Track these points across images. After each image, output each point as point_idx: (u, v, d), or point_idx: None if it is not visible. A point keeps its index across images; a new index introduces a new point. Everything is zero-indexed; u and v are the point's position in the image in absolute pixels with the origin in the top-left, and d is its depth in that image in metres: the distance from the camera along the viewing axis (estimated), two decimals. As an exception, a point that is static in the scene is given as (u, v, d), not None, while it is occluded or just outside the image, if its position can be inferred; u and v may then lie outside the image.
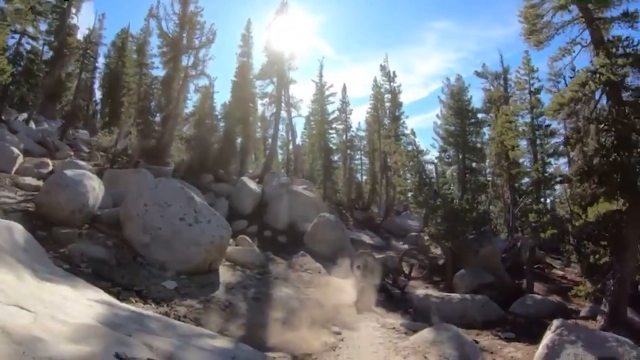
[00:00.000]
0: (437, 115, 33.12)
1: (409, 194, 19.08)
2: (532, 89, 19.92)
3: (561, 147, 18.76)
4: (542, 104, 18.63)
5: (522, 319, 13.92)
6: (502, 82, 31.80)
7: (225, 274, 14.38)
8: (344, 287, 14.63)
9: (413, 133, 19.22)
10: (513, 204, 22.84)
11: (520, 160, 22.32)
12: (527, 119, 18.86)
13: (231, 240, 18.27)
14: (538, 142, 18.72)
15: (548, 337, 9.79)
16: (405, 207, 33.63)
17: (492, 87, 32.75)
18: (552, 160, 19.50)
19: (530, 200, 18.00)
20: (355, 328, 11.14)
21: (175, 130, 27.63)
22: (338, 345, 9.85)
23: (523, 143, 19.76)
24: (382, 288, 14.42)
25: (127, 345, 5.87)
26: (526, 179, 28.20)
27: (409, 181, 20.13)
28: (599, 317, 12.86)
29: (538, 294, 16.42)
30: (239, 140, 31.45)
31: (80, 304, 7.54)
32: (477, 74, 33.31)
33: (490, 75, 32.70)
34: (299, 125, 58.90)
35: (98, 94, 44.61)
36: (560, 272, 24.22)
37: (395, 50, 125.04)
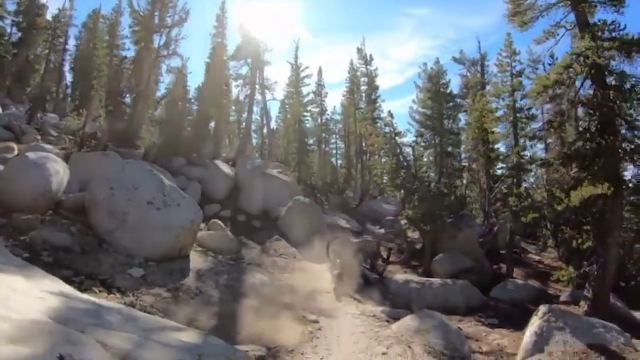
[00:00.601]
0: (413, 100, 32.49)
1: (386, 177, 18.35)
2: (514, 72, 19.34)
3: (541, 132, 18.31)
4: (523, 87, 18.08)
5: (503, 304, 13.54)
6: (479, 68, 31.40)
7: (197, 260, 13.54)
8: (320, 272, 13.95)
9: (390, 115, 18.45)
10: (489, 189, 22.56)
11: (500, 144, 21.98)
12: (508, 101, 18.25)
13: (203, 225, 17.43)
14: (519, 125, 18.17)
15: (535, 323, 9.35)
16: (381, 192, 33.09)
17: (469, 74, 32.36)
18: (531, 144, 19.05)
19: (509, 184, 17.52)
20: (333, 316, 10.46)
21: (147, 112, 26.27)
22: (316, 335, 9.16)
23: (503, 126, 19.19)
24: (359, 273, 13.71)
25: (76, 344, 5.03)
26: (502, 165, 28.08)
27: (385, 163, 19.41)
28: (582, 303, 12.55)
29: (517, 279, 16.03)
30: (212, 123, 30.21)
31: (31, 297, 6.63)
32: (455, 59, 32.84)
33: (467, 61, 32.26)
34: (274, 109, 57.84)
35: (69, 77, 42.48)
36: (537, 257, 24.10)
37: (372, 35, 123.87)
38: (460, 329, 10.28)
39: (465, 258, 16.97)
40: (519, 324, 10.91)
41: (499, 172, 21.72)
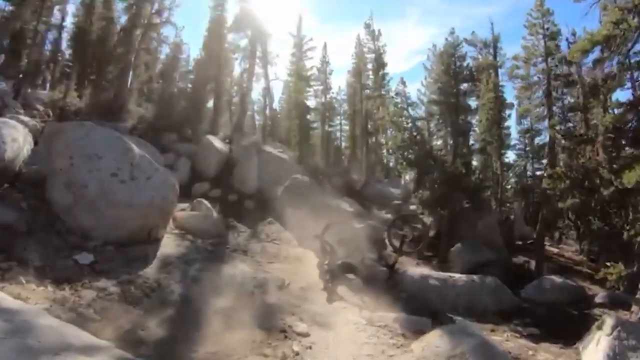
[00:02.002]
0: (422, 83, 29.56)
1: (398, 153, 15.41)
2: (547, 33, 16.03)
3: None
4: (559, 50, 14.87)
5: (538, 306, 10.68)
6: (491, 50, 28.31)
7: (169, 245, 10.78)
8: (317, 262, 11.06)
9: (403, 82, 15.45)
10: (502, 174, 19.89)
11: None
12: (542, 67, 15.07)
13: (187, 205, 14.63)
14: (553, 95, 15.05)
15: (604, 342, 6.55)
16: (388, 174, 30.13)
17: (480, 57, 29.33)
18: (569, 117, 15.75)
19: (545, 165, 14.49)
20: (330, 325, 7.58)
21: (136, 83, 23.32)
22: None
23: (536, 96, 15.94)
24: (365, 265, 10.82)
25: None
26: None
27: (395, 137, 16.32)
28: (635, 308, 9.71)
29: (552, 276, 13.04)
30: (211, 102, 27.20)
31: None
32: (466, 41, 29.65)
33: (479, 43, 29.05)
34: (278, 91, 54.55)
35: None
36: (555, 250, 21.45)
37: (378, 23, 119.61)
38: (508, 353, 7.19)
39: (486, 249, 14.10)
40: (567, 336, 8.40)
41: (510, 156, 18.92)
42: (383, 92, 25.26)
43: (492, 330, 8.70)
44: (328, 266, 9.65)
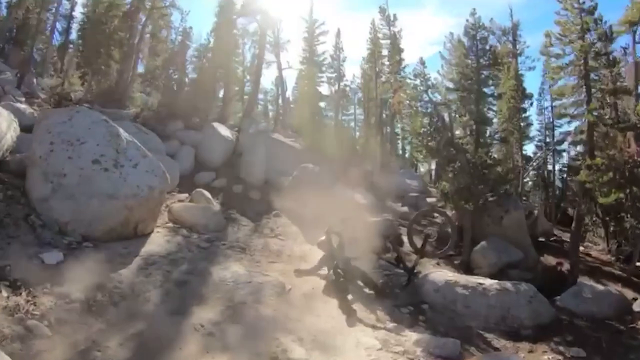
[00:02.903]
0: (439, 72, 27.49)
1: (416, 141, 13.60)
2: (585, 7, 13.91)
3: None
4: (601, 25, 12.82)
5: (580, 320, 8.73)
6: (510, 37, 26.21)
7: (157, 241, 9.35)
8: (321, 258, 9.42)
9: (422, 62, 13.72)
10: (523, 167, 18.13)
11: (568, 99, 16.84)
12: (579, 44, 13.05)
13: (186, 196, 13.18)
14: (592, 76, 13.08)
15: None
16: (402, 166, 28.31)
17: (499, 45, 27.28)
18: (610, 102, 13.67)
19: (581, 154, 12.62)
20: (335, 349, 5.94)
21: (141, 70, 21.91)
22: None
23: (572, 77, 13.91)
24: (379, 268, 9.14)
25: None
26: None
27: (413, 122, 14.47)
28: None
29: (591, 283, 11.13)
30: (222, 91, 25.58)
31: None
32: (485, 28, 27.58)
33: (498, 30, 26.95)
34: (291, 80, 52.67)
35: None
36: (581, 248, 19.56)
37: (394, 11, 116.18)
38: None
39: (513, 248, 12.34)
40: (616, 358, 7.01)
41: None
42: (399, 78, 23.38)
43: (530, 352, 7.02)
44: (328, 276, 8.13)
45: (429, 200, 20.33)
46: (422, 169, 39.39)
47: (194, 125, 20.48)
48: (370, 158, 27.14)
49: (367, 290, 8.02)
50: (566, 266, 12.07)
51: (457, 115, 17.58)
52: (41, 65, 27.14)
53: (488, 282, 8.15)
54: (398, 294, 8.25)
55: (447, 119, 14.01)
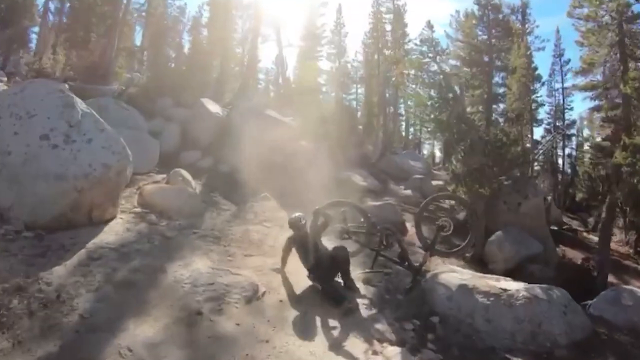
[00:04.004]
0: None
1: (422, 114, 11.66)
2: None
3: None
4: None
5: (621, 333, 6.70)
6: (519, 16, 24.13)
7: (116, 229, 7.63)
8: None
9: (430, 26, 11.67)
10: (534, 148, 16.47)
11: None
12: (612, 7, 11.02)
13: (163, 177, 11.49)
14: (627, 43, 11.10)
15: None
16: (405, 146, 26.44)
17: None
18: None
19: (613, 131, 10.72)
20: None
21: (123, 44, 20.00)
22: None
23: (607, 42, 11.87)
24: (379, 266, 7.33)
25: None
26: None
27: (417, 93, 12.55)
28: None
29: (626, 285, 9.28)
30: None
31: None
32: (493, 7, 25.47)
33: (507, 8, 24.85)
34: (293, 61, 50.36)
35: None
36: (595, 238, 17.80)
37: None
38: None
39: (532, 239, 10.58)
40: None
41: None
42: (404, 47, 21.37)
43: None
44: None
45: (434, 183, 18.54)
46: (425, 151, 37.51)
47: (183, 102, 18.73)
48: (372, 138, 25.32)
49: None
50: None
51: (466, 90, 15.81)
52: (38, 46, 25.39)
53: (513, 286, 6.14)
54: (400, 301, 6.33)
55: (457, 90, 12.06)
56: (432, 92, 11.26)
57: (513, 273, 9.39)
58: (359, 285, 6.51)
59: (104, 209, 7.90)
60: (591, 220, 22.63)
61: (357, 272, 6.80)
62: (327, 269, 6.26)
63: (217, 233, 8.29)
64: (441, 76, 11.15)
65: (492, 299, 5.78)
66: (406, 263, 6.68)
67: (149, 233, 7.62)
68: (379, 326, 5.30)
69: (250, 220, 9.49)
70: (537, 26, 25.62)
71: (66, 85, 15.33)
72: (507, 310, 5.64)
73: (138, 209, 8.94)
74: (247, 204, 10.75)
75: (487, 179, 10.02)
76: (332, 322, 5.39)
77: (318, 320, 5.29)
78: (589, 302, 7.50)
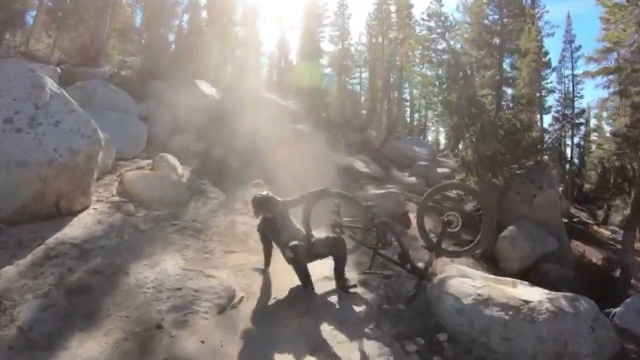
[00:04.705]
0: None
1: (432, 94, 10.66)
2: None
3: None
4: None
5: None
6: (529, 1, 22.81)
7: (85, 222, 6.76)
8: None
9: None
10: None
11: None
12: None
13: (148, 163, 10.58)
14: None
15: None
16: (410, 132, 25.32)
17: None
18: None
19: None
20: None
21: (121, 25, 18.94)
22: None
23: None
24: (378, 266, 6.18)
25: None
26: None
27: (421, 72, 11.47)
28: None
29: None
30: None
31: None
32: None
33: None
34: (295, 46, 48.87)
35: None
36: (606, 232, 16.78)
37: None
38: None
39: (547, 235, 9.58)
40: None
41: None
42: (410, 24, 20.12)
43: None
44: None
45: (440, 170, 17.51)
46: (430, 137, 36.34)
47: (178, 85, 17.76)
48: (376, 123, 24.24)
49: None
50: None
51: (477, 71, 14.72)
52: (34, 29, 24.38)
53: (535, 296, 5.08)
54: (402, 313, 5.14)
55: (468, 69, 10.95)
56: (440, 71, 10.16)
57: (527, 273, 8.42)
58: (358, 289, 5.52)
59: (73, 199, 7.01)
60: (601, 212, 21.76)
61: (351, 274, 5.83)
62: (316, 254, 5.37)
63: (199, 225, 7.37)
64: (450, 55, 10.03)
65: (510, 313, 4.72)
66: (408, 265, 5.63)
67: (121, 226, 6.72)
68: (376, 349, 4.31)
69: (238, 210, 8.56)
70: (547, 11, 24.46)
71: (58, 69, 14.61)
72: (528, 327, 4.60)
73: (116, 198, 8.03)
74: (238, 192, 9.81)
75: (500, 168, 8.98)
76: (320, 341, 4.39)
77: (302, 338, 4.32)
78: (613, 310, 6.47)
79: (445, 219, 5.98)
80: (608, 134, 22.19)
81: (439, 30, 10.18)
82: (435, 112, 14.17)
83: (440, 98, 9.75)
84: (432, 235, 7.22)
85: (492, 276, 6.30)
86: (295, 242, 5.04)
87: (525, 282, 6.01)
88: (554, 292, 5.56)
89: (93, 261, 5.35)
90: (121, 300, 4.56)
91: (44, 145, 6.70)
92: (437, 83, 9.88)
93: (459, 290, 5.05)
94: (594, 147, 27.45)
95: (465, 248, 7.14)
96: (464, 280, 5.23)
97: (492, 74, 13.95)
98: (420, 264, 6.05)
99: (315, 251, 5.31)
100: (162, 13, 20.57)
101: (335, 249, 5.40)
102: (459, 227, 6.01)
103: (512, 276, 7.84)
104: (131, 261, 5.40)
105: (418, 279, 5.45)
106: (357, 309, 4.99)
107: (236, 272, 5.59)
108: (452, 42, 10.61)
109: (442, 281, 5.34)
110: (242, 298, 4.95)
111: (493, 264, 8.81)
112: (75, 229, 6.38)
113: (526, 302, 4.85)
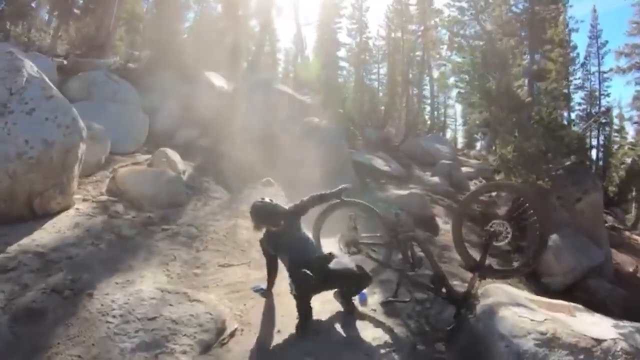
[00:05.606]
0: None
1: (466, 82, 9.30)
2: None
3: None
4: None
5: None
6: None
7: (61, 225, 5.76)
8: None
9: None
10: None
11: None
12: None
13: (146, 158, 9.58)
14: None
15: None
16: (430, 129, 23.96)
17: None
18: None
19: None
20: None
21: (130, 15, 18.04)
22: None
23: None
24: (402, 293, 4.55)
25: None
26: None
27: (459, 60, 10.12)
28: None
29: None
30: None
31: None
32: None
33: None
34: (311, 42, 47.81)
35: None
36: (635, 237, 15.35)
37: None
38: None
39: (593, 245, 8.28)
40: None
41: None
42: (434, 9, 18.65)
43: None
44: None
45: (464, 170, 16.20)
46: (448, 135, 34.92)
47: (188, 77, 16.77)
48: (395, 120, 22.92)
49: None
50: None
51: (513, 59, 13.39)
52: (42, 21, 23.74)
53: (607, 332, 3.74)
54: (442, 357, 3.79)
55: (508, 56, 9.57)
56: (472, 58, 8.83)
57: (573, 292, 7.15)
58: (381, 317, 4.26)
59: (49, 198, 5.96)
60: (630, 216, 20.41)
61: (375, 298, 4.58)
62: (331, 285, 4.15)
63: (195, 230, 6.26)
64: (484, 38, 8.69)
65: (581, 357, 3.46)
66: (443, 289, 4.27)
67: (101, 231, 5.65)
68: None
69: (242, 213, 7.38)
70: (571, 6, 23.07)
71: (51, 59, 13.77)
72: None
73: (104, 197, 7.00)
74: (245, 191, 8.72)
75: (544, 168, 7.65)
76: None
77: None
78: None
79: (492, 229, 4.58)
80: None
81: (472, 11, 8.86)
82: (469, 102, 12.65)
83: (476, 84, 8.42)
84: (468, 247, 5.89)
85: (546, 299, 5.01)
86: (302, 274, 3.81)
87: (580, 306, 4.72)
88: (621, 322, 4.26)
89: (55, 276, 4.27)
90: (77, 332, 3.45)
91: (14, 135, 5.67)
92: (470, 70, 8.57)
93: (514, 327, 3.68)
94: (615, 147, 26.00)
95: (516, 266, 5.65)
96: (519, 311, 3.88)
97: (528, 63, 12.64)
98: (456, 283, 4.79)
99: (329, 283, 4.05)
100: (174, 3, 19.56)
101: (356, 286, 4.21)
102: (508, 239, 4.63)
103: (558, 294, 6.62)
104: (101, 278, 4.30)
105: (457, 308, 4.10)
106: (383, 351, 3.70)
107: (231, 294, 4.44)
108: (487, 25, 9.27)
109: (490, 312, 3.95)
110: (234, 331, 3.78)
111: (535, 279, 7.50)
112: (47, 233, 5.34)
113: (598, 341, 3.54)
